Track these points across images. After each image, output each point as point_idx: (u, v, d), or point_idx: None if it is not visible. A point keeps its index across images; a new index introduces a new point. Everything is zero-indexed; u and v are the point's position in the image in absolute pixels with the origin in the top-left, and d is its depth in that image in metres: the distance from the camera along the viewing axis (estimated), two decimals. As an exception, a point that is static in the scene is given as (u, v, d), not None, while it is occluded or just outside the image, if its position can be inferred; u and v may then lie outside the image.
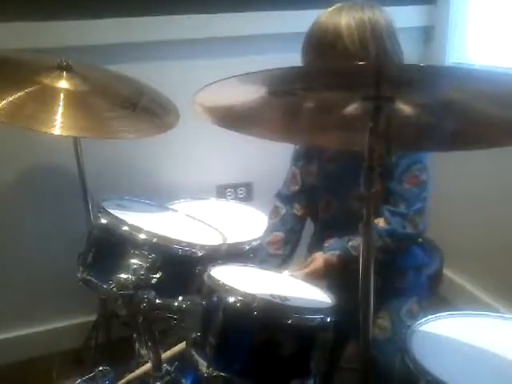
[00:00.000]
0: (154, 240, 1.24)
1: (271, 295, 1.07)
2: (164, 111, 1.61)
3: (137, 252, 1.22)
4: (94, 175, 1.72)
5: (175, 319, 1.21)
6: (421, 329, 1.14)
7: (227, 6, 1.91)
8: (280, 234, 1.45)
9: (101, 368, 1.33)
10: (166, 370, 1.23)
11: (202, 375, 1.03)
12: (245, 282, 1.16)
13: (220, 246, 1.37)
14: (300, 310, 1.03)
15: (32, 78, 1.43)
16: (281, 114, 1.00)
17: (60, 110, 1.38)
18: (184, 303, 1.14)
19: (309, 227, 1.54)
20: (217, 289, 1.06)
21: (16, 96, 1.36)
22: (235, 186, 2.19)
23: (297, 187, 1.49)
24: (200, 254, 1.28)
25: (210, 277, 1.10)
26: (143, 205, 1.53)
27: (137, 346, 1.27)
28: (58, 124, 1.34)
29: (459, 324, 1.18)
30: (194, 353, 1.06)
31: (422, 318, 1.18)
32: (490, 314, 1.23)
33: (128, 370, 1.34)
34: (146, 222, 1.30)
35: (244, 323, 1.02)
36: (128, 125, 1.50)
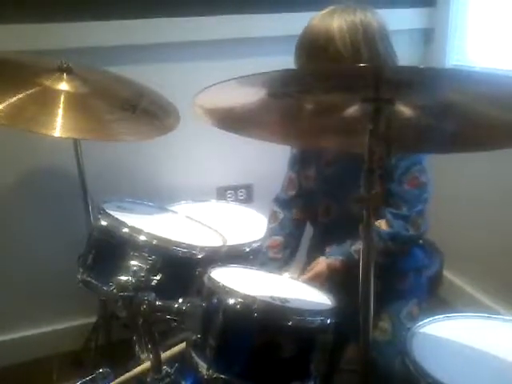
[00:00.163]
0: (154, 242, 1.24)
1: (271, 297, 1.06)
2: (164, 113, 1.61)
3: (137, 254, 1.22)
4: (94, 177, 1.72)
5: (175, 321, 1.21)
6: (421, 331, 1.14)
7: (227, 9, 1.92)
8: (279, 239, 1.45)
9: (101, 370, 1.33)
10: (166, 371, 1.22)
11: (202, 377, 1.03)
12: (245, 283, 1.16)
13: (220, 247, 1.37)
14: (300, 312, 1.03)
15: (32, 79, 1.43)
16: (280, 116, 1.00)
17: (60, 111, 1.38)
18: (184, 305, 1.14)
19: (308, 231, 1.54)
20: (217, 291, 1.06)
21: (16, 98, 1.36)
22: (235, 188, 2.19)
23: (294, 192, 1.49)
24: (200, 256, 1.28)
25: (210, 278, 1.10)
26: (143, 207, 1.53)
27: (137, 347, 1.27)
28: (59, 126, 1.34)
29: (459, 326, 1.18)
30: (193, 355, 1.06)
31: (422, 320, 1.18)
32: (490, 316, 1.23)
33: (128, 372, 1.33)
34: (146, 223, 1.30)
35: (244, 325, 1.02)
36: (128, 127, 1.50)
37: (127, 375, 1.31)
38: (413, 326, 1.16)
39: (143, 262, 1.21)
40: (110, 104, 1.51)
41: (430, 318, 1.19)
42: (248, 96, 0.89)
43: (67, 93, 1.44)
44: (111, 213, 1.30)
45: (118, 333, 1.80)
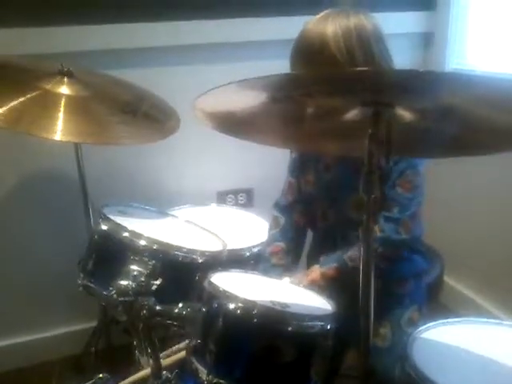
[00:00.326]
0: (155, 246, 1.24)
1: (271, 302, 1.06)
2: (165, 117, 1.62)
3: (137, 258, 1.22)
4: (95, 181, 1.72)
5: (175, 326, 1.21)
6: (421, 336, 1.14)
7: (227, 13, 1.92)
8: (281, 244, 1.44)
9: (100, 375, 1.32)
10: (166, 377, 1.22)
11: (202, 382, 1.03)
12: (245, 288, 1.16)
13: (220, 252, 1.37)
14: (300, 317, 1.03)
15: (33, 83, 1.43)
16: (281, 120, 1.00)
17: (61, 115, 1.38)
18: (184, 310, 1.14)
19: (310, 236, 1.54)
20: (217, 295, 1.05)
21: (17, 102, 1.36)
22: (236, 192, 2.19)
23: (293, 197, 1.48)
24: (200, 261, 1.28)
25: (210, 283, 1.10)
26: (144, 211, 1.52)
27: (137, 352, 1.27)
28: (59, 129, 1.34)
29: (460, 331, 1.18)
30: (194, 360, 1.05)
31: (422, 326, 1.18)
32: (490, 321, 1.23)
33: (127, 377, 1.33)
34: (146, 228, 1.30)
35: (244, 330, 1.02)
36: (129, 130, 1.50)
37: (127, 381, 1.31)
38: (413, 332, 1.15)
39: (143, 267, 1.21)
40: (110, 108, 1.51)
41: (431, 324, 1.18)
42: (248, 100, 0.89)
43: (68, 96, 1.44)
44: (111, 217, 1.30)
45: (118, 338, 1.79)
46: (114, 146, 1.66)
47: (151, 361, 1.21)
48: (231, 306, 1.02)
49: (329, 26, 1.19)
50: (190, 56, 1.94)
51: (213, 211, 1.88)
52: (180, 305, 1.16)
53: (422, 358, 1.04)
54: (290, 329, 1.00)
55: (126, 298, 1.16)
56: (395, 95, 0.82)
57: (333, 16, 1.21)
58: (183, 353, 1.22)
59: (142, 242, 1.23)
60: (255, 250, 1.53)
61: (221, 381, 1.00)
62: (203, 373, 1.02)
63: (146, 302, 1.15)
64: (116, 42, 1.81)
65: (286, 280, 1.30)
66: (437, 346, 1.11)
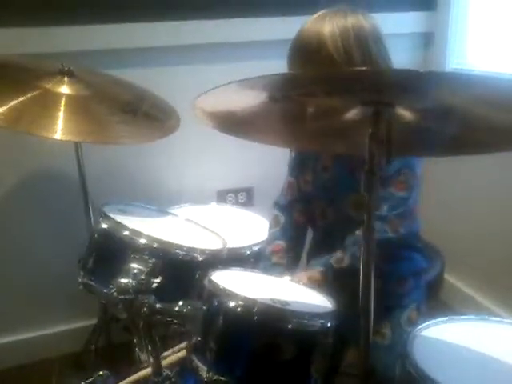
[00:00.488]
0: (155, 245, 1.24)
1: (272, 300, 1.06)
2: (165, 116, 1.62)
3: (137, 257, 1.22)
4: (95, 180, 1.72)
5: (175, 324, 1.21)
6: (422, 334, 1.14)
7: (227, 13, 1.92)
8: (281, 243, 1.45)
9: (101, 372, 1.33)
10: (166, 374, 1.23)
11: (202, 380, 1.03)
12: (245, 286, 1.16)
13: (220, 250, 1.37)
14: (300, 315, 1.03)
15: (33, 83, 1.43)
16: (281, 120, 1.01)
17: (61, 114, 1.38)
18: (184, 308, 1.14)
19: (310, 234, 1.54)
20: (217, 293, 1.06)
21: (17, 101, 1.36)
22: (236, 191, 2.19)
23: (293, 196, 1.48)
24: (200, 259, 1.28)
25: (210, 281, 1.10)
26: (144, 209, 1.53)
27: (137, 350, 1.27)
28: (59, 129, 1.35)
29: (460, 329, 1.18)
30: (194, 357, 1.06)
31: (422, 324, 1.18)
32: (491, 318, 1.23)
33: (128, 375, 1.33)
34: (146, 226, 1.30)
35: (244, 328, 1.02)
36: (129, 130, 1.50)
37: (128, 380, 1.31)
38: (413, 330, 1.15)
39: (144, 265, 1.21)
40: (110, 107, 1.51)
41: (431, 321, 1.18)
42: (248, 99, 0.89)
43: (68, 96, 1.45)
44: (112, 216, 1.30)
45: (118, 335, 1.80)
46: (114, 145, 1.66)
47: (151, 359, 1.21)
48: (231, 303, 1.02)
49: (326, 25, 1.19)
50: (189, 56, 1.95)
51: (213, 210, 1.88)
52: (180, 303, 1.16)
53: (422, 355, 1.04)
54: (290, 327, 1.00)
55: (127, 296, 1.17)
56: (395, 95, 0.82)
57: (330, 15, 1.21)
58: (184, 352, 1.22)
59: (143, 241, 1.24)
60: (255, 248, 1.53)
61: (221, 378, 1.01)
62: (203, 370, 1.02)
63: (146, 300, 1.16)
64: (116, 41, 1.82)
65: (286, 278, 1.31)
66: (437, 344, 1.12)
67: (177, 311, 1.14)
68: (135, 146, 1.70)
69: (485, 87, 0.75)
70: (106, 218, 1.30)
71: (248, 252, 1.53)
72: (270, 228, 1.51)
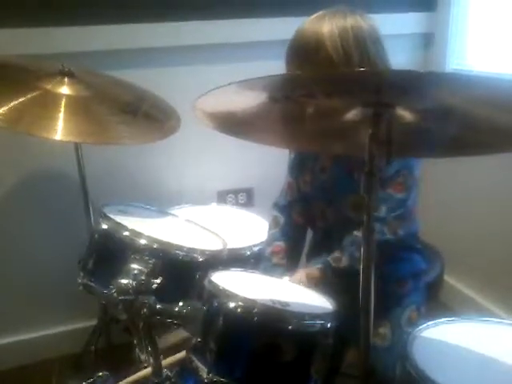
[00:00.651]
0: (155, 245, 1.24)
1: (272, 301, 1.07)
2: (165, 117, 1.62)
3: (137, 257, 1.22)
4: (95, 180, 1.72)
5: (176, 324, 1.21)
6: (421, 335, 1.14)
7: (229, 13, 1.92)
8: (281, 244, 1.45)
9: (100, 373, 1.33)
10: (166, 375, 1.22)
11: (203, 381, 1.03)
12: (245, 287, 1.16)
13: (221, 251, 1.37)
14: (300, 316, 1.03)
15: (34, 83, 1.43)
16: (281, 120, 1.01)
17: (61, 115, 1.38)
18: (184, 308, 1.14)
19: (309, 234, 1.54)
20: (217, 294, 1.06)
21: (18, 101, 1.36)
22: (236, 192, 2.19)
23: (292, 197, 1.49)
24: (201, 260, 1.28)
25: (210, 282, 1.10)
26: (144, 210, 1.53)
27: (137, 351, 1.27)
28: (60, 129, 1.35)
29: (460, 330, 1.18)
30: (194, 358, 1.06)
31: (422, 325, 1.18)
32: (491, 319, 1.23)
33: (128, 376, 1.33)
34: (146, 227, 1.30)
35: (244, 328, 1.02)
36: (129, 130, 1.50)
37: (128, 380, 1.31)
38: (413, 331, 1.15)
39: (144, 266, 1.21)
40: (111, 108, 1.51)
41: (431, 322, 1.18)
42: (249, 100, 0.89)
43: (68, 96, 1.45)
44: (112, 216, 1.30)
45: (118, 336, 1.80)
46: (114, 145, 1.66)
47: (151, 359, 1.21)
48: (231, 304, 1.02)
49: (325, 25, 1.19)
50: (190, 56, 1.95)
51: (213, 211, 1.88)
52: (180, 303, 1.16)
53: (422, 356, 1.04)
54: (290, 327, 1.00)
55: (127, 297, 1.16)
56: (395, 96, 0.82)
57: (329, 16, 1.21)
58: (184, 352, 1.22)
59: (143, 241, 1.24)
60: (255, 249, 1.53)
61: (221, 379, 1.01)
62: (203, 371, 1.03)
63: (146, 301, 1.15)
64: (117, 42, 1.82)
65: (286, 279, 1.31)
66: (437, 345, 1.12)
67: (177, 312, 1.14)
68: (135, 146, 1.70)
69: (485, 88, 0.75)
70: (106, 218, 1.30)
71: (248, 253, 1.53)
72: (270, 229, 1.51)
